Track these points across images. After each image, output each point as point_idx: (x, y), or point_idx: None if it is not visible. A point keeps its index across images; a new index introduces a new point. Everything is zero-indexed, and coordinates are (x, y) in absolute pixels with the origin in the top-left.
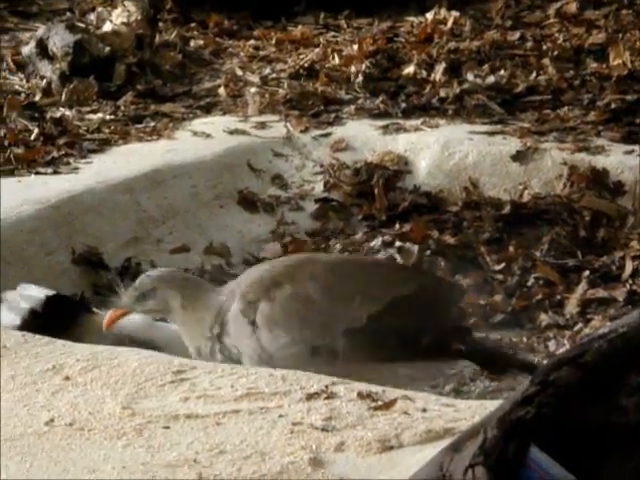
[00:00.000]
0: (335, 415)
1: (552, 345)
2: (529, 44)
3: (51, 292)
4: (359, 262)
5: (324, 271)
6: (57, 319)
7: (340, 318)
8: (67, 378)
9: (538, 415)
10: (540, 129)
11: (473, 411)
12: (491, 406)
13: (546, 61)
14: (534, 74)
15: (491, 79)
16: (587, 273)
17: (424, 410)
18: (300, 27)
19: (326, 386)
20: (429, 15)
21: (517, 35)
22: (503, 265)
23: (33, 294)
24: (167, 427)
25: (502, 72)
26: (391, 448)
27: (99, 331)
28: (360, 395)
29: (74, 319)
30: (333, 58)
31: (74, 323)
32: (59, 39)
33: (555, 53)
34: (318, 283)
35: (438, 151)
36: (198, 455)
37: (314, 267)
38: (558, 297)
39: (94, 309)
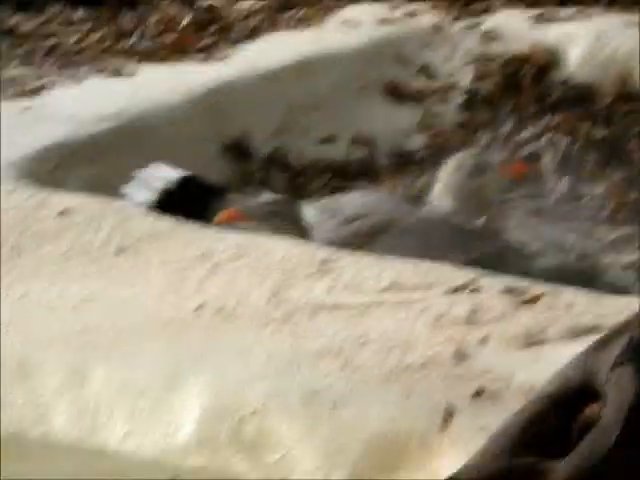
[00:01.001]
0: (479, 309)
1: None
2: None
3: (186, 173)
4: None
5: None
6: (192, 201)
7: None
8: (215, 265)
9: None
10: None
11: (621, 307)
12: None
13: None
14: None
15: None
16: None
17: (570, 305)
18: None
19: (471, 279)
20: None
21: None
22: None
23: (168, 174)
24: (312, 316)
25: None
26: (536, 343)
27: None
28: (506, 289)
29: (209, 203)
30: None
31: (209, 207)
32: None
33: None
34: None
35: (590, 42)
36: (342, 344)
37: None
38: None
39: (231, 195)
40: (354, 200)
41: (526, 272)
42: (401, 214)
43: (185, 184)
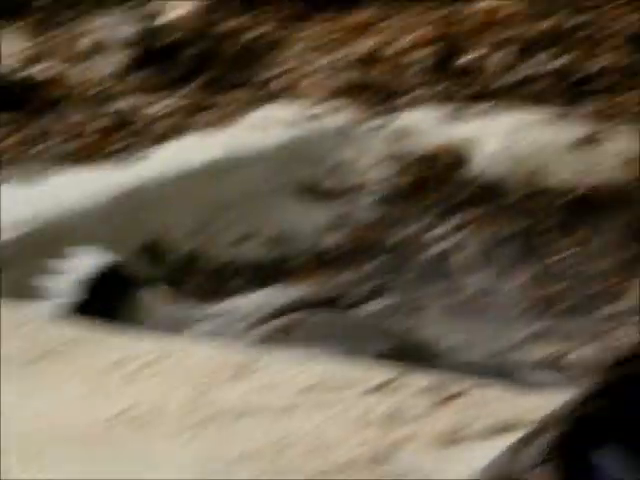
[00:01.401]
0: (399, 408)
1: (617, 335)
2: (594, 27)
3: (105, 265)
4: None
5: None
6: (113, 292)
7: None
8: (134, 370)
9: (608, 411)
10: (606, 115)
11: (541, 405)
12: (559, 400)
13: (612, 44)
14: (599, 58)
15: (556, 64)
16: None
17: (490, 403)
18: (363, 12)
19: (391, 378)
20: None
21: (584, 17)
22: (566, 254)
23: (88, 264)
24: (233, 420)
25: (567, 56)
26: (456, 442)
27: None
28: (426, 387)
29: (131, 294)
30: (395, 44)
31: (131, 298)
32: (122, 29)
33: (621, 36)
34: None
35: (501, 139)
36: (262, 449)
37: None
38: (620, 286)
39: (149, 289)
40: (263, 298)
41: (439, 368)
42: (312, 311)
43: (107, 274)
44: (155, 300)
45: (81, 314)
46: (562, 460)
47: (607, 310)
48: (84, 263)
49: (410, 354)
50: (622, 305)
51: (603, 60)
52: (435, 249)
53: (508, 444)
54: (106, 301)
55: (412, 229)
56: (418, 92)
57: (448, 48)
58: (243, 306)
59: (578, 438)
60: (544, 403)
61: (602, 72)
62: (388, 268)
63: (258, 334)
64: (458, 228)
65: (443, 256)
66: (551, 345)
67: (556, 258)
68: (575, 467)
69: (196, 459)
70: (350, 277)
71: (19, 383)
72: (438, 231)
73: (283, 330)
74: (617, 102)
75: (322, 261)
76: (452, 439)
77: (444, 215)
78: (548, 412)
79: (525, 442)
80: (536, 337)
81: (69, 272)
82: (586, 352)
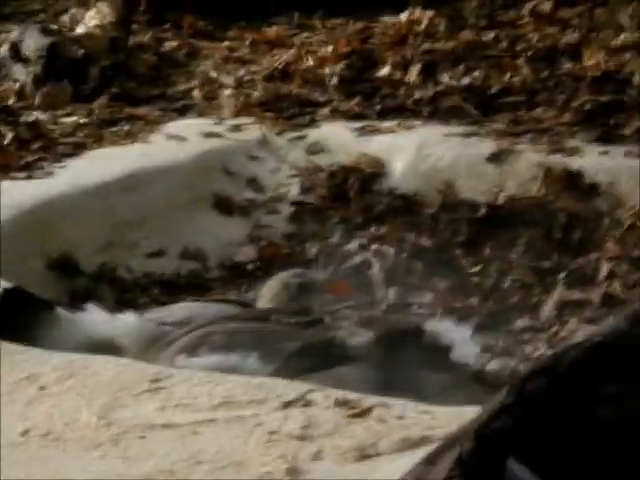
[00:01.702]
0: (312, 423)
1: (528, 349)
2: (503, 44)
3: (10, 285)
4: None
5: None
6: (17, 314)
7: None
8: (42, 388)
9: (515, 426)
10: (515, 130)
11: (451, 419)
12: (469, 414)
13: (520, 61)
14: (508, 75)
15: (466, 80)
16: (563, 275)
17: (401, 417)
18: (274, 27)
19: (303, 394)
20: (403, 15)
21: (491, 35)
22: (479, 267)
23: None
24: (143, 437)
25: (477, 73)
26: (368, 456)
27: (60, 330)
28: (337, 402)
29: (36, 316)
30: (307, 59)
31: (36, 321)
32: (33, 42)
33: (529, 53)
34: None
35: (413, 153)
36: (174, 465)
37: None
38: (534, 299)
39: (56, 307)
40: (181, 308)
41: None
42: (230, 314)
43: (10, 296)
44: (61, 318)
45: None
46: (470, 475)
47: (521, 323)
48: None
49: (320, 352)
50: (537, 318)
51: (509, 77)
52: (350, 262)
53: (417, 459)
54: (6, 324)
55: (327, 243)
56: (331, 106)
57: (360, 63)
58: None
59: (486, 453)
60: (453, 418)
61: (509, 89)
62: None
63: (177, 346)
64: (373, 241)
65: (358, 269)
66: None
67: (471, 271)
68: None
69: (107, 476)
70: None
71: None
72: (353, 245)
73: (199, 342)
74: (525, 119)
75: (236, 275)
76: (363, 454)
77: (359, 229)
78: (456, 427)
79: (434, 457)
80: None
81: None
82: (499, 365)
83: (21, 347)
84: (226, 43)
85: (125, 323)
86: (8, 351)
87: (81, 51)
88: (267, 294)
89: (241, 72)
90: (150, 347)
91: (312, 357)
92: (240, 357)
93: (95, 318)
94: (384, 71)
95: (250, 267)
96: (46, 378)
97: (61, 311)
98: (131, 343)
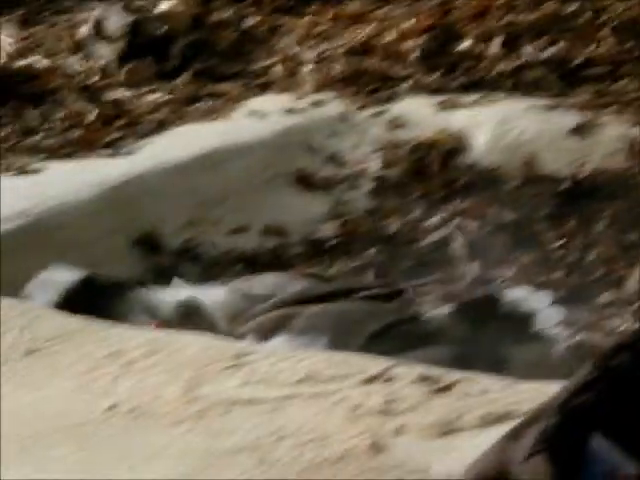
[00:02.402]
0: (394, 398)
1: (613, 323)
2: (587, 15)
3: (85, 273)
4: None
5: None
6: (94, 300)
7: None
8: (127, 363)
9: (599, 401)
10: (599, 102)
11: (534, 394)
12: (553, 389)
13: (605, 32)
14: (592, 46)
15: (549, 52)
16: None
17: (484, 392)
18: (356, 2)
19: (385, 369)
20: None
21: (575, 6)
22: (563, 241)
23: (67, 275)
24: (227, 412)
25: (560, 44)
26: (451, 432)
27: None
28: (420, 377)
29: (113, 300)
30: (388, 34)
31: (113, 304)
32: (115, 20)
33: (614, 24)
34: None
35: (495, 127)
36: (258, 440)
37: None
38: (619, 273)
39: (136, 291)
40: (265, 280)
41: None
42: (313, 290)
43: (86, 283)
44: (144, 296)
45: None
46: (554, 450)
47: (606, 297)
48: (63, 276)
49: (405, 333)
50: (621, 292)
51: (593, 49)
52: (432, 238)
53: (501, 435)
54: (88, 309)
55: (408, 218)
56: (412, 81)
57: (441, 37)
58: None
59: (570, 428)
60: (536, 393)
61: (593, 61)
62: (385, 257)
63: (256, 324)
64: (455, 216)
65: (440, 244)
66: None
67: (554, 246)
68: (567, 457)
69: (192, 451)
70: (346, 267)
71: (12, 377)
72: (434, 220)
73: (280, 321)
74: (609, 91)
75: (318, 251)
76: (446, 429)
77: (440, 203)
78: (540, 402)
79: (518, 433)
80: None
81: (49, 284)
82: (584, 340)
83: (105, 323)
84: (307, 18)
85: (211, 294)
86: (93, 328)
87: (163, 28)
88: None
89: (322, 47)
90: (235, 319)
91: (393, 339)
92: (316, 341)
93: (181, 292)
94: (465, 44)
95: (331, 243)
96: (131, 354)
97: (142, 292)
98: (217, 313)
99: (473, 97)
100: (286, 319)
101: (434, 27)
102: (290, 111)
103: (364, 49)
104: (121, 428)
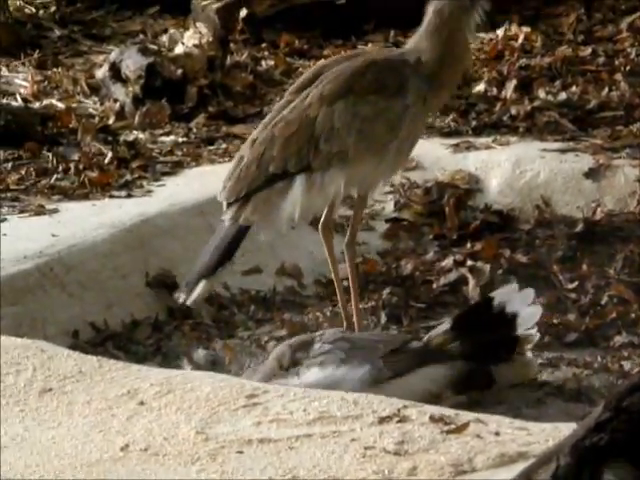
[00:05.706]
0: (407, 439)
1: (627, 365)
2: (601, 59)
3: None
4: None
5: None
6: None
7: None
8: (141, 403)
9: (611, 441)
10: (613, 145)
11: (547, 435)
12: (565, 430)
13: (618, 76)
14: (606, 90)
15: (563, 96)
16: None
17: (497, 434)
18: (370, 45)
19: (398, 409)
20: (500, 31)
21: (589, 50)
22: (576, 283)
23: None
24: (240, 452)
25: (574, 88)
26: (464, 472)
27: None
28: (432, 418)
29: None
30: None
31: None
32: (132, 62)
33: (627, 68)
34: None
35: (509, 169)
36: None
37: None
38: (633, 315)
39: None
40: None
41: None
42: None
43: None
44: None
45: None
46: None
47: (619, 339)
48: None
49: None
50: (634, 333)
51: (607, 93)
52: (445, 279)
53: (514, 475)
54: None
55: (422, 259)
56: (428, 122)
57: None
58: None
59: (583, 468)
60: (549, 434)
61: (606, 104)
62: (400, 297)
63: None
64: (468, 258)
65: (454, 286)
66: (561, 372)
67: (569, 287)
68: None
69: None
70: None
71: (30, 415)
72: (448, 261)
73: (300, 347)
74: (622, 134)
75: (332, 292)
76: (459, 470)
77: (455, 245)
78: (554, 443)
79: (531, 473)
80: (545, 365)
81: None
82: (596, 381)
83: (120, 363)
84: (322, 61)
85: None
86: (108, 367)
87: (179, 71)
88: None
89: None
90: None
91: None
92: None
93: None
94: (480, 87)
95: (346, 284)
96: (145, 393)
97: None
98: None
99: (487, 139)
100: (305, 344)
101: None
102: None
103: None
104: (136, 467)
